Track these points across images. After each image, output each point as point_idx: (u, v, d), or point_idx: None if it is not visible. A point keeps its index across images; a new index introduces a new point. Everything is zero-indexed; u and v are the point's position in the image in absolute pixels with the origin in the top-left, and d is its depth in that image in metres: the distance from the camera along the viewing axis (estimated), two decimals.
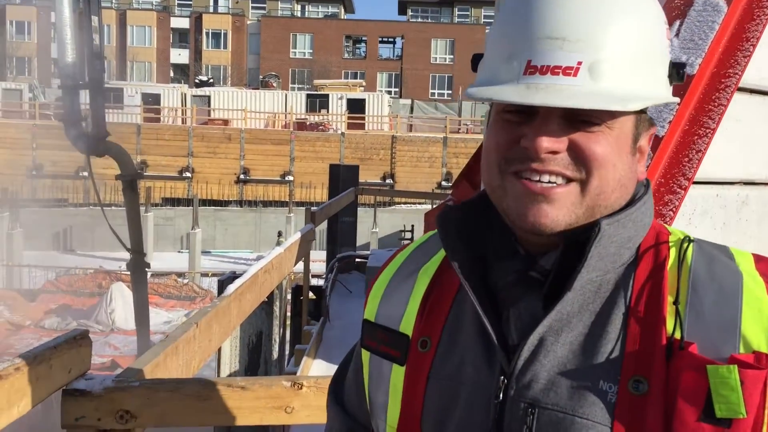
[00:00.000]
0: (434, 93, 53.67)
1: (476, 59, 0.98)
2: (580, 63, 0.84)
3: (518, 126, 0.89)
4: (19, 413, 1.58)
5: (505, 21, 0.91)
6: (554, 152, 0.87)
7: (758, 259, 0.93)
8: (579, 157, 0.87)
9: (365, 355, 1.07)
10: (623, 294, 0.90)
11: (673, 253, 0.92)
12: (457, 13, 60.06)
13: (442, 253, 1.04)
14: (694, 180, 2.91)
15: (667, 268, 0.91)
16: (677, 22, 2.98)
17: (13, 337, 16.41)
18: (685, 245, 0.92)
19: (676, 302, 0.87)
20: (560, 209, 0.88)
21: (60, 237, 30.37)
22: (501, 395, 0.89)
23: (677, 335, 0.85)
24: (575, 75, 0.84)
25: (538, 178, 0.88)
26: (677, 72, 0.92)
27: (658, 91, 0.90)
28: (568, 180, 0.88)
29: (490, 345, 0.91)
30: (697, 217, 3.19)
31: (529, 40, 0.86)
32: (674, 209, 2.80)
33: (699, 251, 0.93)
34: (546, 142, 0.86)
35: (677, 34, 2.94)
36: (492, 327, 0.90)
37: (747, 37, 3.01)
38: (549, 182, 0.88)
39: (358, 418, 1.13)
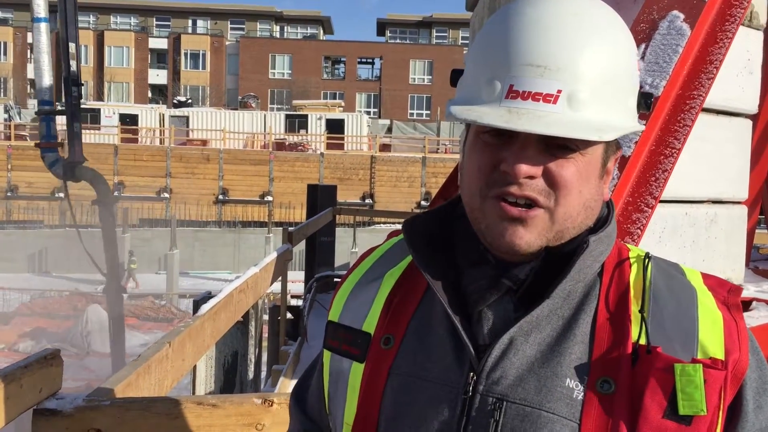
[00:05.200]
0: (413, 113, 53.98)
1: (455, 74, 1.02)
2: (559, 91, 0.89)
3: (497, 149, 0.93)
4: None
5: (488, 43, 0.95)
6: (531, 177, 0.92)
7: (705, 276, 1.02)
8: (550, 183, 0.92)
9: (326, 355, 1.10)
10: (591, 302, 0.97)
11: (635, 268, 1.00)
12: (435, 34, 60.65)
13: (408, 258, 1.08)
14: (664, 199, 2.97)
15: (630, 281, 0.98)
16: (642, 46, 3.06)
17: None
18: (646, 261, 1.00)
19: (641, 310, 0.94)
20: (533, 233, 0.93)
21: (35, 259, 29.97)
22: (470, 391, 0.93)
23: (642, 341, 0.92)
24: (555, 102, 0.89)
25: (515, 200, 0.93)
26: (645, 102, 0.99)
27: (630, 121, 0.96)
28: (539, 207, 0.93)
29: (459, 344, 0.96)
30: (666, 235, 3.25)
31: (511, 65, 0.90)
32: (642, 227, 2.86)
33: (657, 267, 1.00)
34: (525, 168, 0.91)
35: (642, 57, 3.01)
36: (462, 327, 0.95)
37: (711, 59, 3.09)
38: (525, 204, 0.93)
39: (319, 422, 1.16)
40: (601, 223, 1.00)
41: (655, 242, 3.15)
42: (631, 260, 1.00)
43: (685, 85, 3.02)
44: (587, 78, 0.90)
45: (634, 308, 0.94)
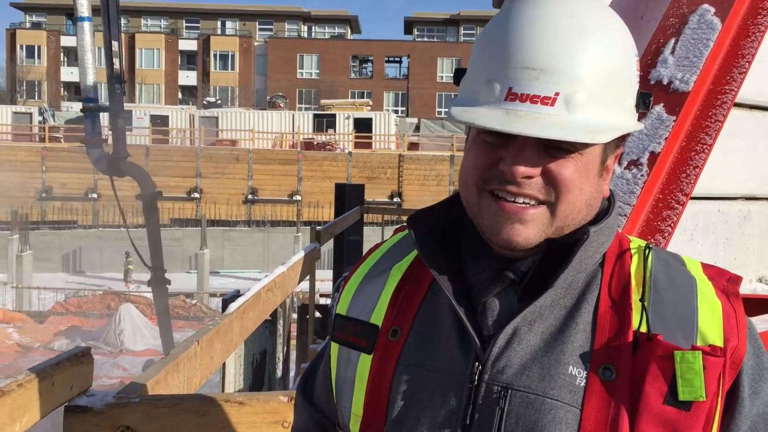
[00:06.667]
0: (441, 111, 53.83)
1: (459, 74, 1.03)
2: (557, 94, 0.91)
3: (496, 148, 0.95)
4: (21, 429, 1.61)
5: (488, 44, 0.97)
6: (529, 177, 0.94)
7: (705, 266, 1.04)
8: (551, 182, 0.95)
9: (334, 348, 1.12)
10: (592, 291, 0.99)
11: (635, 258, 1.02)
12: (462, 32, 60.38)
13: (415, 252, 1.10)
14: (695, 195, 2.93)
15: (631, 271, 1.00)
16: (672, 40, 3.02)
17: (22, 359, 16.46)
18: (647, 252, 1.02)
19: (642, 299, 0.96)
20: (532, 229, 0.96)
21: (69, 258, 30.51)
22: (476, 380, 0.96)
23: (643, 329, 0.94)
24: (552, 105, 0.91)
25: (513, 199, 0.95)
26: (644, 101, 1.00)
27: (627, 122, 0.98)
28: (540, 202, 0.95)
29: (465, 334, 0.98)
30: (699, 232, 3.20)
31: (509, 68, 0.92)
32: (672, 225, 2.82)
33: (657, 257, 1.03)
34: (523, 168, 0.93)
35: (672, 52, 2.97)
36: (467, 318, 0.97)
37: (743, 53, 3.04)
38: (523, 203, 0.95)
39: (327, 411, 1.17)
40: (600, 217, 1.02)
41: (687, 240, 3.11)
42: (632, 251, 1.03)
43: (717, 80, 2.98)
44: (584, 80, 0.91)
45: (635, 297, 0.97)
